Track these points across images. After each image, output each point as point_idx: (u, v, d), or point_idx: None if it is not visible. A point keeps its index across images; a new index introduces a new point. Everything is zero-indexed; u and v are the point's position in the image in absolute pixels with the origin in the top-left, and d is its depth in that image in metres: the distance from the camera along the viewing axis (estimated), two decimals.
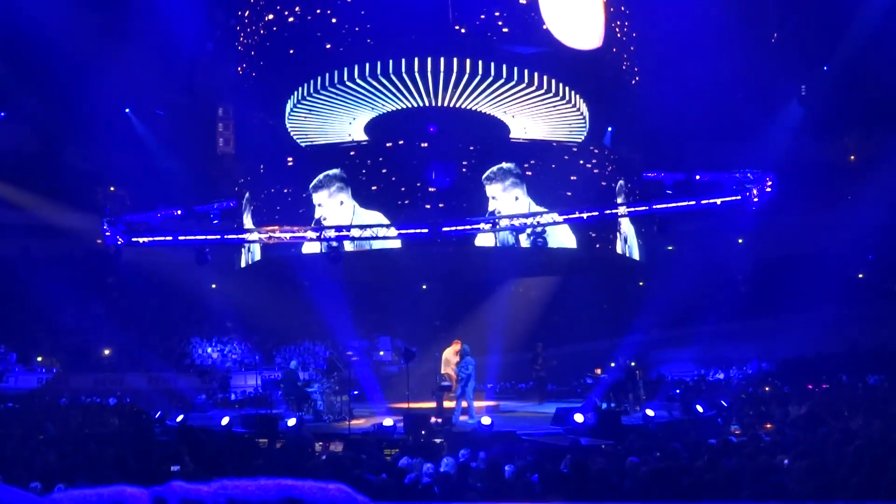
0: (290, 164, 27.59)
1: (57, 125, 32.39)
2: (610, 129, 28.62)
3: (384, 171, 26.05)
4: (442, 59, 24.79)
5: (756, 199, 16.24)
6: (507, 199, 25.47)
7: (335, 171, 25.85)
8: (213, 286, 30.54)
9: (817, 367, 24.50)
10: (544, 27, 25.89)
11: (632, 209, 20.97)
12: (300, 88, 26.33)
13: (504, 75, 25.07)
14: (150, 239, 18.43)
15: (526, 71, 25.23)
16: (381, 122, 27.13)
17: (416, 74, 24.88)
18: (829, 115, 32.50)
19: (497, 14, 25.85)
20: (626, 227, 28.04)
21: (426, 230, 18.55)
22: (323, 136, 28.20)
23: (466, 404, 17.18)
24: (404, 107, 26.19)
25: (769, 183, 16.21)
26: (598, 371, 20.54)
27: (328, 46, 25.94)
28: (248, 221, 27.51)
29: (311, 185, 25.89)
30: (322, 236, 19.33)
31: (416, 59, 24.76)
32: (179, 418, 17.18)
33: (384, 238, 20.82)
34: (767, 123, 32.68)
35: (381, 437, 14.51)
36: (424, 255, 25.97)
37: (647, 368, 25.05)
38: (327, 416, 18.54)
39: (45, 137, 32.68)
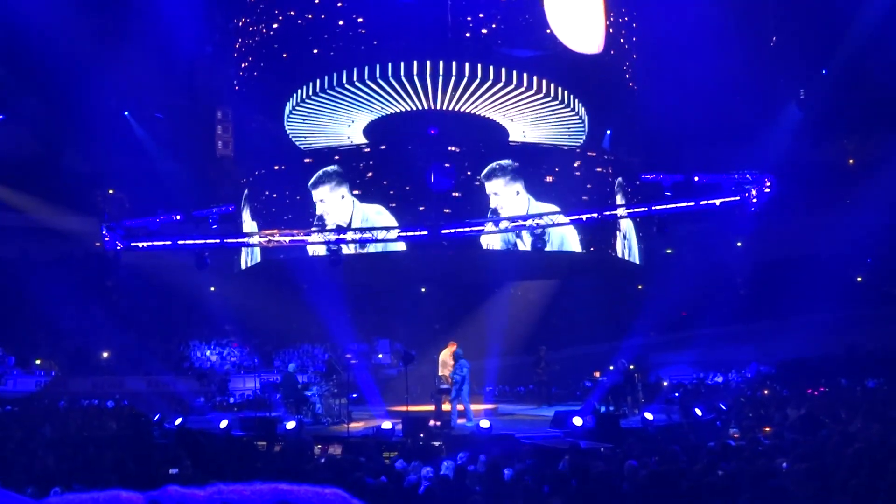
0: (285, 167, 27.63)
1: (56, 128, 32.39)
2: (609, 132, 28.63)
3: (383, 172, 26.12)
4: (441, 63, 24.81)
5: (755, 200, 16.24)
6: (508, 193, 25.56)
7: (333, 167, 25.94)
8: (212, 289, 30.53)
9: (816, 369, 24.49)
10: (548, 31, 25.93)
11: (631, 210, 20.98)
12: (299, 91, 26.34)
13: (503, 79, 25.09)
14: (150, 244, 18.42)
15: (525, 75, 25.25)
16: (381, 124, 27.14)
17: (416, 78, 24.89)
18: (827, 119, 32.53)
19: (499, 17, 25.88)
20: (628, 230, 28.09)
21: (426, 232, 18.56)
22: (322, 138, 28.20)
23: (463, 407, 17.17)
24: (403, 110, 26.20)
25: (768, 184, 16.22)
26: (597, 374, 20.52)
27: (327, 49, 25.97)
28: (247, 219, 27.54)
29: (310, 183, 25.93)
30: (323, 239, 19.32)
31: (416, 63, 24.78)
32: (178, 421, 17.16)
33: (384, 241, 20.84)
34: (766, 126, 32.69)
35: (380, 440, 14.50)
36: (423, 258, 26.00)
37: (646, 371, 25.00)
38: (326, 419, 18.52)
39: (45, 140, 32.67)
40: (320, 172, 25.98)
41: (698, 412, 16.94)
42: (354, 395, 20.33)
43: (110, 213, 24.90)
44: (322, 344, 27.99)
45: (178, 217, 18.36)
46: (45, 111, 31.77)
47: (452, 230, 18.58)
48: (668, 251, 33.13)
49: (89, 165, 33.01)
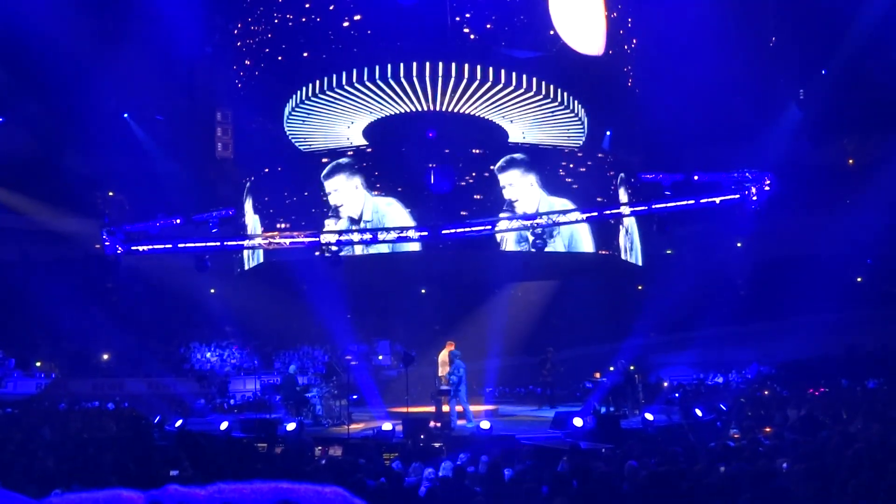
0: (295, 165, 27.66)
1: (56, 130, 32.35)
2: (608, 132, 28.66)
3: (392, 170, 26.29)
4: (440, 64, 24.81)
5: (755, 198, 16.24)
6: (522, 185, 25.85)
7: (346, 159, 26.07)
8: (212, 291, 30.52)
9: (816, 370, 24.49)
10: (552, 32, 25.95)
11: (631, 208, 20.99)
12: (298, 92, 26.35)
13: (502, 80, 25.10)
14: (150, 247, 18.43)
15: (524, 76, 25.27)
16: (380, 126, 27.15)
17: (415, 79, 24.90)
18: (827, 119, 32.52)
19: (499, 18, 25.89)
20: (632, 230, 28.22)
21: (426, 233, 18.56)
22: (321, 139, 28.21)
23: (462, 408, 17.16)
24: (403, 111, 26.21)
25: (767, 182, 16.22)
26: (598, 375, 20.54)
27: (327, 50, 25.99)
28: (250, 221, 27.55)
29: (322, 174, 26.01)
30: (325, 240, 19.31)
31: (415, 64, 24.79)
32: (178, 423, 17.17)
33: (398, 240, 20.84)
34: (766, 127, 32.68)
35: (381, 442, 14.52)
36: (425, 258, 26.02)
37: (646, 372, 25.04)
38: (326, 420, 18.53)
39: (44, 142, 32.63)
40: (333, 163, 26.15)
41: (698, 413, 16.94)
42: (355, 397, 20.34)
43: (110, 215, 24.89)
44: (322, 345, 27.99)
45: (178, 221, 18.37)
46: (45, 113, 31.73)
47: (453, 230, 18.57)
48: (668, 251, 33.13)
49: (89, 167, 32.97)
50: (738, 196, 16.37)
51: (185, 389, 24.56)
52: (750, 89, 34.60)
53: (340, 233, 19.95)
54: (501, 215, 23.40)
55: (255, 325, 29.53)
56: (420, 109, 25.92)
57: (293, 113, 27.07)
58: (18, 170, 30.53)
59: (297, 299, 26.77)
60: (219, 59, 32.89)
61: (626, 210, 21.15)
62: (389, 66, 24.84)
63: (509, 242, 25.29)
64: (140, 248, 18.24)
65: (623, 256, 28.34)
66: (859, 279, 31.29)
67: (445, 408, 17.40)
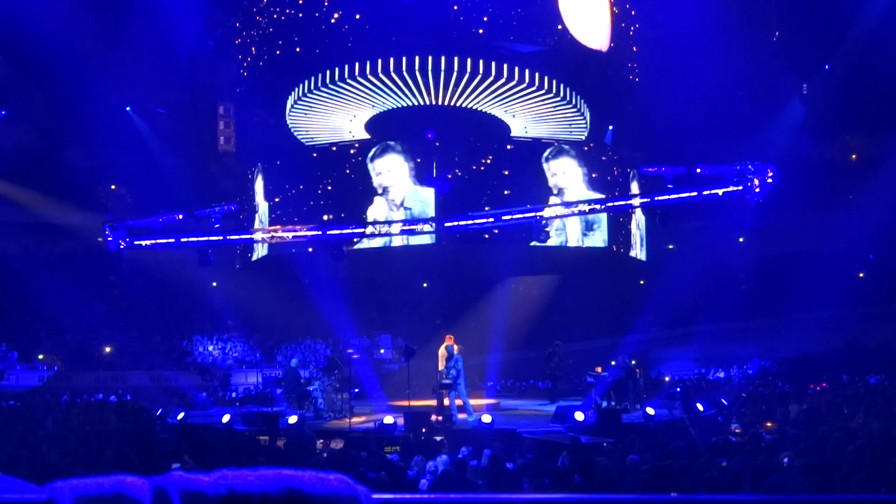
0: (290, 160, 27.71)
1: (58, 123, 32.39)
2: (611, 127, 28.66)
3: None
4: (443, 58, 24.78)
5: (758, 190, 16.21)
6: (575, 174, 26.52)
7: (393, 142, 26.12)
8: (214, 284, 30.55)
9: (818, 366, 24.46)
10: (559, 26, 25.94)
11: (633, 201, 20.97)
12: (301, 85, 26.34)
13: (504, 75, 25.07)
14: (153, 241, 18.44)
15: (527, 71, 25.23)
16: (382, 119, 27.19)
17: (417, 73, 24.88)
18: (830, 115, 32.48)
19: (502, 12, 25.84)
20: (641, 227, 28.33)
21: (430, 227, 18.57)
22: (323, 132, 28.26)
23: (461, 402, 17.16)
24: (405, 105, 26.22)
25: (770, 174, 16.18)
26: (599, 369, 20.52)
27: (328, 44, 25.95)
28: (260, 201, 27.59)
29: (370, 156, 26.02)
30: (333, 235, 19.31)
31: (417, 58, 24.76)
32: (180, 416, 17.17)
33: (387, 235, 20.83)
34: (769, 123, 32.65)
35: (382, 435, 14.51)
36: (426, 253, 26.04)
37: (648, 367, 25.01)
38: (328, 413, 18.52)
39: (47, 136, 32.68)
40: (383, 144, 26.10)
41: (700, 407, 16.94)
42: (356, 390, 20.34)
43: (113, 209, 24.90)
44: (324, 339, 28.01)
45: (181, 217, 18.40)
46: (48, 107, 31.77)
47: (455, 223, 18.56)
48: (671, 247, 33.11)
49: (91, 161, 33.03)
50: (740, 188, 16.33)
51: (187, 382, 24.61)
52: (753, 85, 34.57)
53: (342, 227, 19.94)
54: (553, 201, 23.67)
55: (257, 318, 29.56)
56: (422, 104, 25.94)
57: (295, 106, 27.08)
58: (21, 163, 30.56)
59: (299, 293, 26.79)
60: (221, 53, 32.90)
61: (635, 202, 21.05)
62: (392, 59, 24.81)
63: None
64: (142, 243, 18.25)
65: (632, 253, 28.42)
66: (861, 275, 31.25)
67: (447, 401, 17.40)
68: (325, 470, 1.07)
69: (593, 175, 26.90)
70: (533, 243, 21.67)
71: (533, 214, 18.25)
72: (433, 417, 16.00)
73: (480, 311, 27.93)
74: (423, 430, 14.88)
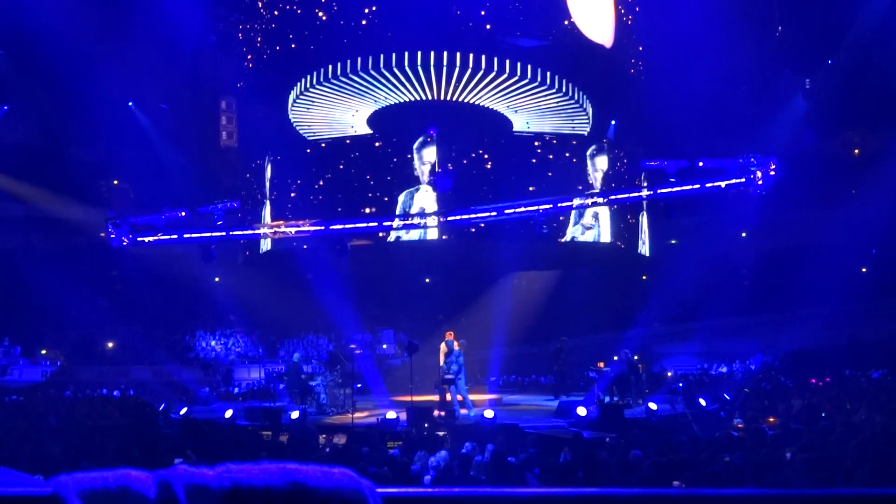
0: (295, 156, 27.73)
1: (61, 118, 32.36)
2: (613, 122, 28.65)
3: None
4: (445, 54, 24.76)
5: (760, 182, 16.20)
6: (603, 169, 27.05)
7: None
8: (217, 279, 30.57)
9: (821, 361, 24.44)
10: (563, 22, 25.93)
11: (636, 194, 20.96)
12: (303, 80, 26.34)
13: (507, 70, 25.05)
14: (156, 238, 18.47)
15: (529, 67, 25.21)
16: (384, 114, 27.20)
17: (419, 68, 24.86)
18: (832, 109, 32.41)
19: (506, 7, 25.80)
20: (646, 222, 28.45)
21: (433, 220, 18.56)
22: (325, 127, 28.26)
23: (461, 397, 17.18)
24: (408, 100, 26.21)
25: (773, 167, 16.18)
26: (601, 364, 20.53)
27: (331, 39, 25.93)
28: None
29: (415, 145, 26.04)
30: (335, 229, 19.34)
31: (420, 53, 24.74)
32: (183, 411, 17.21)
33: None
34: (771, 117, 32.59)
35: (385, 431, 14.53)
36: (428, 249, 26.05)
37: (650, 362, 25.02)
38: (331, 408, 18.56)
39: (49, 131, 32.67)
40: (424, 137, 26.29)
41: (702, 402, 16.95)
42: (359, 386, 20.37)
43: (115, 204, 24.92)
44: (327, 334, 28.03)
45: (184, 214, 18.43)
46: (50, 101, 31.75)
47: (458, 216, 18.57)
48: (673, 242, 33.09)
49: (94, 156, 33.04)
50: (743, 180, 16.33)
51: (189, 377, 24.62)
52: (756, 80, 34.52)
53: (345, 223, 19.96)
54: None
55: (259, 313, 29.58)
56: (425, 99, 25.92)
57: (297, 101, 27.08)
58: (24, 158, 30.55)
59: (301, 288, 26.80)
60: (223, 48, 32.89)
61: (645, 193, 21.00)
62: (394, 55, 24.79)
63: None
64: (146, 239, 18.29)
65: (639, 249, 28.51)
66: (864, 270, 31.21)
67: (449, 397, 17.43)
68: (327, 465, 1.07)
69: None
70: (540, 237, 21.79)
71: (535, 208, 18.26)
72: (436, 413, 16.02)
73: (483, 306, 27.93)
74: (426, 425, 14.90)
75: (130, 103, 33.06)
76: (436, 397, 17.75)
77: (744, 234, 33.78)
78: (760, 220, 27.26)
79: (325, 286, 24.55)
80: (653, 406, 16.10)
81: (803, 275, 26.96)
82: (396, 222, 20.68)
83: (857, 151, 35.20)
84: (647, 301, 27.04)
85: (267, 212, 27.81)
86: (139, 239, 18.18)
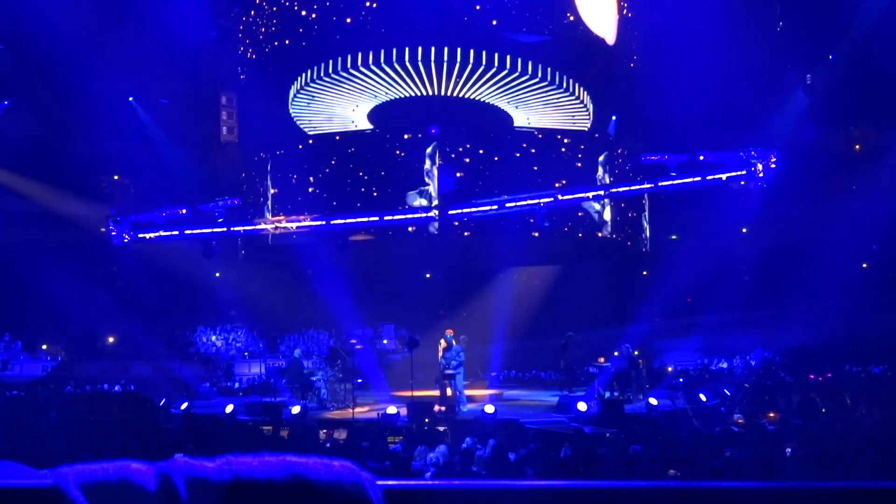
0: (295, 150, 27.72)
1: (61, 113, 32.33)
2: (614, 118, 28.64)
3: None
4: (445, 49, 24.73)
5: (761, 175, 16.21)
6: None
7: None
8: (218, 274, 30.57)
9: (821, 357, 24.47)
10: (564, 16, 25.92)
11: (637, 187, 20.96)
12: (303, 75, 26.33)
13: (507, 66, 25.03)
14: (157, 234, 18.50)
15: (530, 62, 25.19)
16: (385, 110, 27.19)
17: (420, 63, 24.84)
18: (834, 104, 32.36)
19: (512, 2, 25.77)
20: (645, 218, 28.40)
21: (434, 213, 18.59)
22: (326, 122, 28.26)
23: (457, 393, 17.22)
24: (408, 95, 26.20)
25: (773, 160, 16.18)
26: (602, 360, 20.56)
27: (331, 33, 25.91)
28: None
29: (427, 151, 26.18)
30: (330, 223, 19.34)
31: (420, 49, 24.73)
32: (184, 406, 17.24)
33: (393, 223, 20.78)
34: (772, 113, 32.55)
35: (385, 426, 14.55)
36: (429, 244, 26.03)
37: (651, 357, 25.04)
38: (331, 404, 18.58)
39: (50, 126, 32.62)
40: None
41: (703, 398, 16.97)
42: (359, 381, 20.40)
43: (116, 199, 24.90)
44: (327, 329, 28.05)
45: (185, 211, 18.46)
46: (50, 96, 31.71)
47: (459, 210, 18.59)
48: (673, 237, 33.07)
49: (94, 151, 32.97)
50: (744, 172, 16.34)
51: (190, 373, 24.63)
52: (757, 75, 34.45)
53: (346, 217, 19.97)
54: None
55: (260, 308, 29.58)
56: (425, 94, 25.91)
57: (297, 96, 27.07)
58: (23, 153, 30.54)
59: (302, 283, 26.82)
60: (223, 43, 32.85)
61: (644, 185, 20.97)
62: (395, 50, 24.77)
63: None
64: (147, 236, 18.32)
65: (639, 244, 28.48)
66: (865, 265, 31.20)
67: (450, 392, 17.46)
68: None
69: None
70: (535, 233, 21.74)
71: (536, 201, 18.27)
72: (436, 408, 16.06)
73: (483, 301, 27.95)
74: (426, 420, 14.93)
75: (131, 98, 33.04)
76: (436, 392, 17.79)
77: (744, 230, 33.74)
78: (761, 216, 27.24)
79: (326, 281, 24.57)
80: (653, 401, 16.12)
81: (804, 270, 26.96)
82: (398, 217, 20.68)
83: (858, 147, 35.15)
84: (647, 296, 27.05)
85: (268, 207, 27.81)
86: (140, 236, 18.21)
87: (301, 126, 28.59)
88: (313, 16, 26.43)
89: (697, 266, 26.71)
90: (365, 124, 28.38)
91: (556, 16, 26.13)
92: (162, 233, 18.64)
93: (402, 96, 26.45)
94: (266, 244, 27.73)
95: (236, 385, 24.90)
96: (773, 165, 16.13)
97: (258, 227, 22.35)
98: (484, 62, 24.79)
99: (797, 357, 25.21)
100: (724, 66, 30.35)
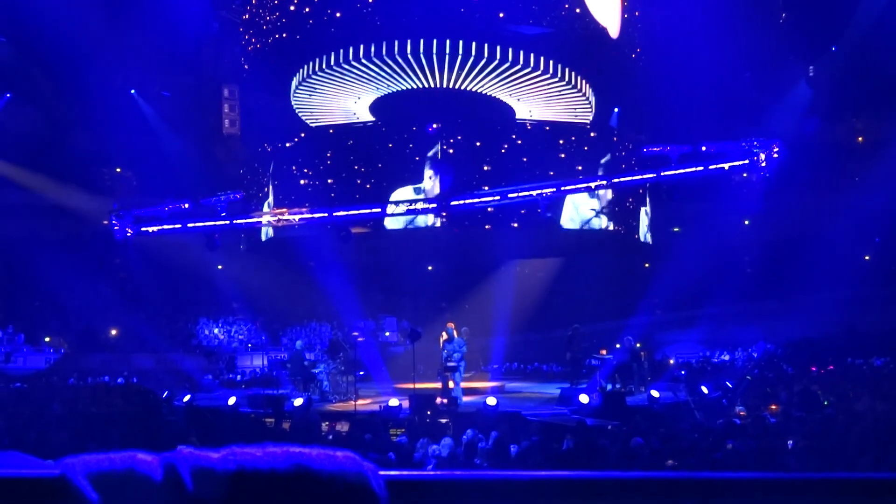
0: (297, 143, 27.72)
1: (63, 106, 32.35)
2: (616, 110, 28.62)
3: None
4: (448, 41, 24.70)
5: (764, 164, 16.18)
6: None
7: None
8: (220, 267, 30.60)
9: (823, 349, 24.47)
10: (565, 8, 25.89)
11: (639, 177, 20.94)
12: (305, 67, 26.31)
13: (510, 59, 25.00)
14: (159, 228, 18.52)
15: (532, 54, 25.15)
16: (386, 101, 27.17)
17: (422, 56, 24.81)
18: (837, 96, 32.30)
19: None
20: (647, 210, 28.44)
21: (434, 205, 18.60)
22: (327, 114, 28.24)
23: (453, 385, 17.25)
24: (410, 87, 26.18)
25: (776, 149, 16.16)
26: (604, 352, 20.56)
27: (333, 26, 25.87)
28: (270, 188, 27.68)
29: (429, 154, 26.19)
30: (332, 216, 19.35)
31: (422, 41, 24.69)
32: (186, 398, 17.27)
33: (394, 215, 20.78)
34: (775, 105, 32.50)
35: (387, 418, 14.58)
36: (431, 236, 26.06)
37: (653, 350, 25.05)
38: (333, 396, 18.62)
39: (52, 118, 32.64)
40: None
41: (705, 390, 16.98)
42: (361, 373, 20.43)
43: (118, 192, 24.92)
44: (329, 321, 28.08)
45: (187, 205, 18.49)
46: (53, 89, 31.73)
47: (461, 201, 18.60)
48: (676, 229, 33.06)
49: (97, 144, 32.99)
50: (746, 161, 16.31)
51: (192, 365, 24.67)
52: (759, 67, 34.39)
53: (348, 210, 19.97)
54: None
55: (262, 300, 29.62)
56: (427, 86, 25.89)
57: (300, 88, 27.06)
58: (26, 146, 30.55)
59: (304, 275, 26.85)
60: (225, 35, 32.82)
61: (647, 175, 20.91)
62: (397, 42, 24.74)
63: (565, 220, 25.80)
64: (149, 230, 18.34)
65: (638, 235, 28.50)
66: (867, 258, 31.20)
67: (452, 384, 17.48)
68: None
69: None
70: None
71: (539, 192, 18.26)
72: (438, 400, 16.07)
73: (485, 293, 27.96)
74: (428, 412, 14.94)
75: (133, 91, 33.04)
76: (438, 385, 17.81)
77: (746, 222, 33.74)
78: (763, 208, 27.24)
79: (328, 273, 24.59)
80: (655, 394, 16.13)
81: (806, 262, 26.94)
82: (400, 208, 20.68)
83: (860, 139, 35.11)
84: (649, 288, 27.05)
85: (270, 200, 27.83)
86: (143, 229, 18.23)
87: (303, 118, 28.59)
88: (315, 8, 26.38)
89: (700, 258, 26.71)
90: (367, 116, 28.36)
91: (557, 7, 26.08)
92: (164, 226, 18.65)
93: (404, 89, 26.42)
94: (268, 236, 27.78)
95: (239, 377, 24.93)
96: (775, 155, 16.09)
97: (261, 219, 22.37)
98: (486, 54, 24.76)
99: (799, 349, 25.20)
100: (727, 58, 30.30)
